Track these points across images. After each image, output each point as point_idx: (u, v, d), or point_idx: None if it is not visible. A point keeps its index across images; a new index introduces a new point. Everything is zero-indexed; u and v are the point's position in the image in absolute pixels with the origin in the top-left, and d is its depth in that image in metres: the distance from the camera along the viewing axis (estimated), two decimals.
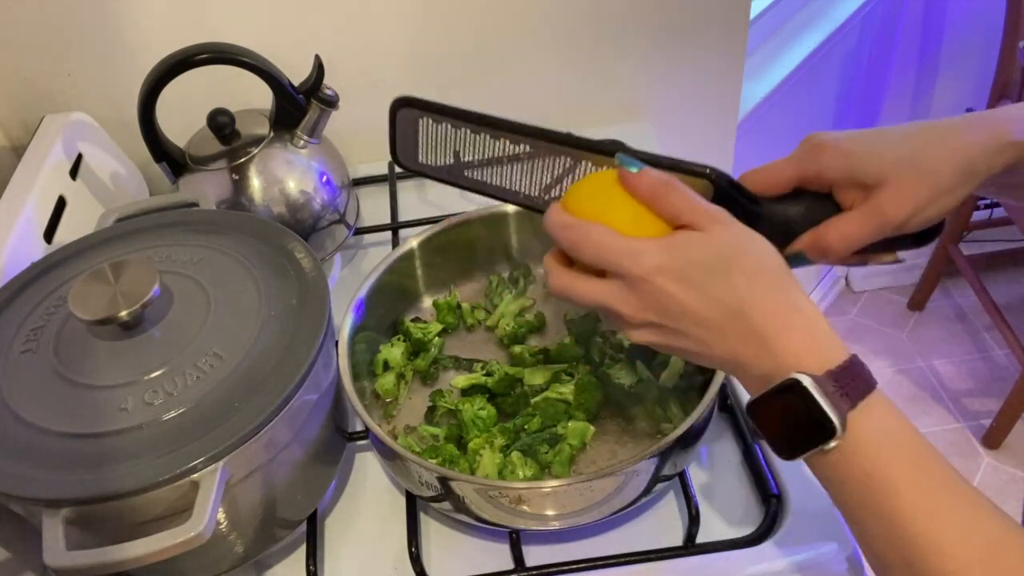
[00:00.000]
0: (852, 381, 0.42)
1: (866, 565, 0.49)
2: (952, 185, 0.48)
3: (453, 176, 0.58)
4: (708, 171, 0.50)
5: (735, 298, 0.44)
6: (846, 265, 0.55)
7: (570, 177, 0.54)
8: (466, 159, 0.56)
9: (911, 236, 0.52)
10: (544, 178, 0.55)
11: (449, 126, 0.55)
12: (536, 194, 0.56)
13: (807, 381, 0.41)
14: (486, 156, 0.55)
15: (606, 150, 0.52)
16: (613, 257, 0.46)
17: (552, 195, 0.56)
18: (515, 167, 0.55)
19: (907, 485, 0.40)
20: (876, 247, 0.51)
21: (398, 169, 0.96)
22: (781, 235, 0.52)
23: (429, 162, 0.58)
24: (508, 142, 0.55)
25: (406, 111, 0.56)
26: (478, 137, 0.55)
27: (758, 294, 0.44)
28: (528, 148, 0.54)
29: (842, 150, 0.50)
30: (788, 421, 0.43)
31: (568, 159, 0.54)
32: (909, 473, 0.41)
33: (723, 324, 0.44)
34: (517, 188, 0.56)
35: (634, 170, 0.48)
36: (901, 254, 0.54)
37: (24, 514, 0.51)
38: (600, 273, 0.47)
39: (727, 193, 0.51)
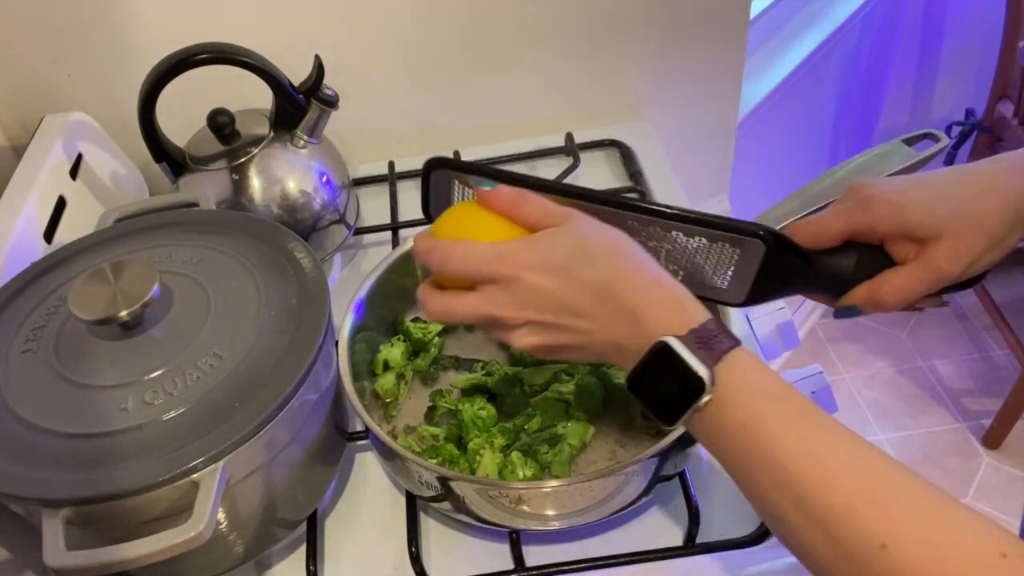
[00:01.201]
0: (714, 337, 0.44)
1: None
2: (1004, 235, 0.50)
3: None
4: (760, 232, 0.51)
5: (600, 278, 0.46)
6: (897, 311, 0.56)
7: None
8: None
9: (960, 281, 0.52)
10: None
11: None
12: None
13: (673, 342, 0.43)
14: None
15: (660, 213, 0.52)
16: (480, 264, 0.48)
17: None
18: None
19: (782, 429, 0.41)
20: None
21: (398, 169, 0.97)
22: (831, 287, 0.53)
23: None
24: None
25: (441, 172, 0.56)
26: None
27: (620, 271, 0.46)
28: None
29: (895, 203, 0.50)
30: (663, 385, 0.44)
31: (632, 223, 0.53)
32: (782, 418, 0.42)
33: (596, 307, 0.46)
34: None
35: (488, 187, 0.50)
36: (946, 297, 0.55)
37: (24, 514, 0.51)
38: (472, 290, 0.49)
39: (778, 249, 0.51)
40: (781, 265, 0.51)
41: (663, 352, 0.44)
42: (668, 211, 0.52)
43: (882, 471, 0.40)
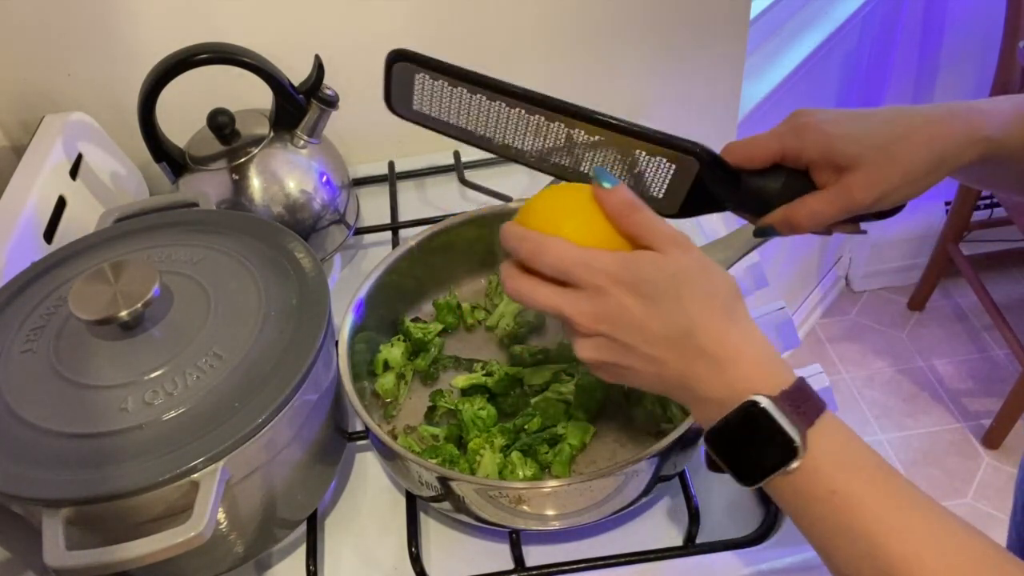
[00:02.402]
0: (806, 401, 0.43)
1: None
2: (921, 174, 0.51)
3: (448, 128, 0.57)
4: (697, 148, 0.53)
5: (687, 319, 0.45)
6: (812, 233, 0.57)
7: (572, 147, 0.55)
8: (464, 119, 0.56)
9: (874, 212, 0.54)
10: (543, 141, 0.55)
11: (446, 84, 0.55)
12: (533, 151, 0.56)
13: (765, 402, 0.42)
14: (482, 117, 0.55)
15: (595, 120, 0.53)
16: (571, 266, 0.46)
17: (557, 160, 0.56)
18: (512, 127, 0.55)
19: (872, 501, 0.41)
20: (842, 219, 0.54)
21: (398, 169, 0.97)
22: (757, 207, 0.55)
23: (423, 112, 0.57)
24: (506, 107, 0.54)
25: (402, 65, 0.55)
26: (475, 98, 0.54)
27: (709, 318, 0.45)
28: (527, 115, 0.54)
29: (824, 132, 0.52)
30: (749, 446, 0.43)
31: (568, 128, 0.54)
32: (873, 488, 0.41)
33: (674, 343, 0.45)
34: (513, 143, 0.56)
35: (607, 185, 0.49)
36: (863, 225, 0.56)
37: (24, 514, 0.51)
38: (558, 284, 0.48)
39: (711, 167, 0.53)
40: (714, 182, 0.53)
41: (752, 412, 0.42)
42: (614, 122, 0.53)
43: (970, 550, 0.39)
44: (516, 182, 0.93)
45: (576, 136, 0.54)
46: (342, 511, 0.66)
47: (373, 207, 0.93)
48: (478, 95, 0.54)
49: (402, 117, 0.58)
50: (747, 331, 0.46)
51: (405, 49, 0.55)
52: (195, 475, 0.49)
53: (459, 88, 0.54)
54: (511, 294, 0.49)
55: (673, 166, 0.54)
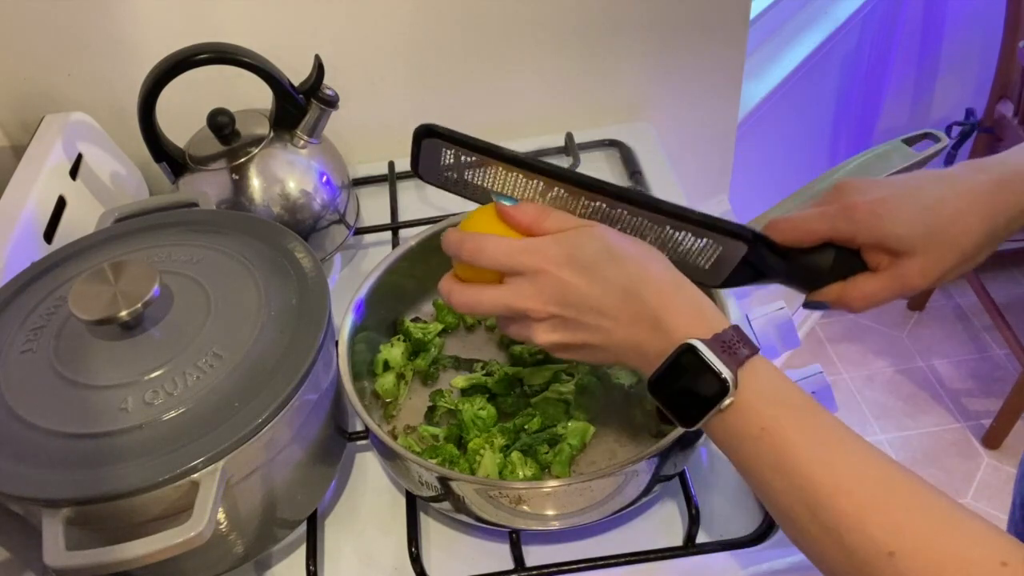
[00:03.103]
0: (737, 343, 0.45)
1: None
2: (976, 252, 0.51)
3: (478, 197, 0.58)
4: (745, 232, 0.52)
5: (626, 279, 0.47)
6: None
7: (611, 223, 0.54)
8: (488, 191, 0.56)
9: None
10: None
11: (473, 158, 0.55)
12: None
13: (698, 344, 0.45)
14: (509, 190, 0.56)
15: (647, 205, 0.53)
16: (512, 256, 0.49)
17: None
18: (556, 204, 0.55)
19: (800, 436, 0.43)
20: None
21: (398, 169, 0.97)
22: (806, 282, 0.55)
23: (451, 180, 0.58)
24: (534, 181, 0.54)
25: (430, 142, 0.56)
26: (500, 171, 0.55)
27: (645, 274, 0.48)
28: (556, 189, 0.54)
29: (876, 215, 0.51)
30: (685, 387, 0.46)
31: (595, 204, 0.53)
32: (800, 425, 0.43)
33: (619, 307, 0.47)
34: None
35: (507, 203, 0.52)
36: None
37: (24, 514, 0.51)
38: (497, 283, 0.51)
39: (759, 250, 0.53)
40: (760, 261, 0.53)
41: (687, 354, 0.45)
42: (659, 205, 0.53)
43: (893, 480, 0.41)
44: None
45: (616, 215, 0.53)
46: (342, 511, 0.66)
47: (373, 207, 0.93)
48: (513, 173, 0.55)
49: (431, 184, 0.59)
50: (679, 283, 0.49)
51: (434, 125, 0.56)
52: (195, 475, 0.49)
53: (492, 167, 0.55)
54: (458, 306, 0.52)
55: (720, 248, 0.53)
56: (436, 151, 0.57)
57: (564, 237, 0.50)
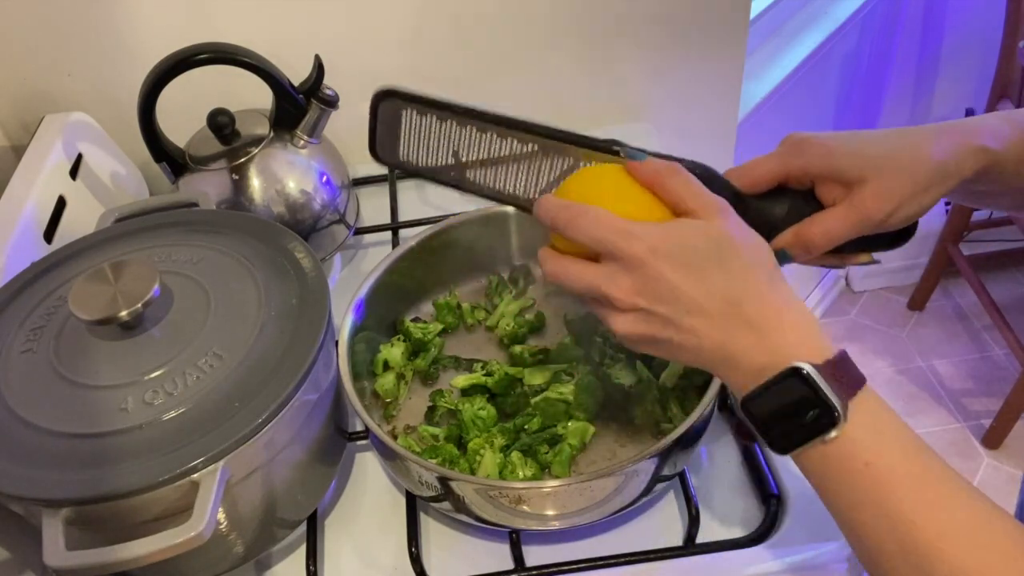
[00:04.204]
0: (848, 372, 0.43)
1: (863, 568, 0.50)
2: (928, 183, 0.50)
3: (436, 173, 0.55)
4: (698, 168, 0.51)
5: (731, 288, 0.44)
6: (824, 266, 0.56)
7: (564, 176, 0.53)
8: (452, 156, 0.54)
9: (886, 238, 0.53)
10: (537, 178, 0.54)
11: (434, 119, 0.53)
12: (529, 195, 0.55)
13: (809, 369, 0.42)
14: (473, 154, 0.53)
15: (605, 148, 0.52)
16: (609, 235, 0.45)
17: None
18: (505, 165, 0.53)
19: (906, 476, 0.41)
20: (853, 247, 0.53)
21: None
22: (764, 231, 0.53)
23: (410, 159, 0.55)
24: (497, 138, 0.52)
25: (388, 102, 0.54)
26: (464, 131, 0.52)
27: (753, 286, 0.45)
28: (520, 146, 0.52)
29: (825, 147, 0.51)
30: (787, 412, 0.43)
31: (567, 158, 0.53)
32: (907, 464, 0.41)
33: (717, 313, 0.44)
34: (506, 187, 0.54)
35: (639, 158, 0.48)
36: (877, 255, 0.55)
37: (24, 514, 0.51)
38: (595, 261, 0.47)
39: (714, 188, 0.51)
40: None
41: (794, 377, 0.42)
42: (610, 145, 0.51)
43: (992, 524, 0.40)
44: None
45: (578, 165, 0.52)
46: (342, 511, 0.66)
47: (373, 207, 0.93)
48: (468, 127, 0.52)
49: (387, 164, 0.56)
50: (789, 299, 0.45)
51: (390, 86, 0.53)
52: (195, 475, 0.49)
53: (447, 123, 0.52)
54: (549, 276, 0.49)
55: None
56: (395, 118, 0.53)
57: (673, 228, 0.46)
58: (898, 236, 0.54)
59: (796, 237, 0.52)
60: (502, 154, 0.52)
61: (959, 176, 0.51)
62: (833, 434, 0.41)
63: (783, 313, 0.44)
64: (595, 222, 0.46)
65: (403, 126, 0.54)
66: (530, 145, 0.52)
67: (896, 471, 0.41)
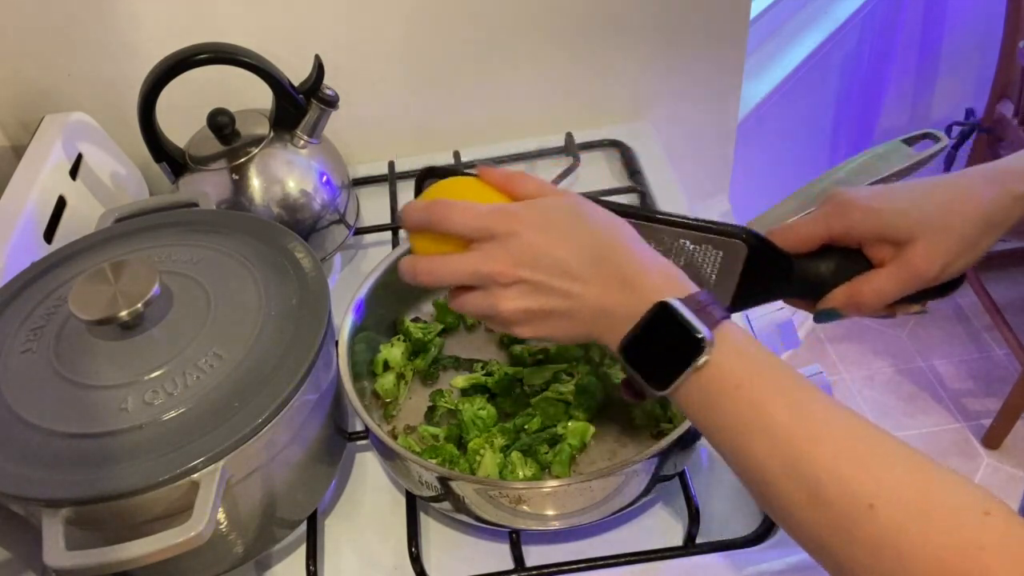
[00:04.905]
0: (710, 305, 0.45)
1: None
2: (976, 239, 0.51)
3: None
4: (743, 233, 0.52)
5: (598, 244, 0.47)
6: (875, 317, 0.57)
7: None
8: None
9: (936, 289, 0.54)
10: None
11: None
12: None
13: (674, 302, 0.44)
14: None
15: (652, 218, 0.53)
16: (484, 218, 0.49)
17: None
18: None
19: (775, 391, 0.42)
20: (905, 299, 0.53)
21: (398, 169, 0.97)
22: (812, 291, 0.54)
23: None
24: None
25: (432, 180, 0.56)
26: None
27: (617, 240, 0.48)
28: None
29: (871, 208, 0.52)
30: (659, 347, 0.45)
31: None
32: (776, 381, 0.43)
33: (590, 270, 0.47)
34: None
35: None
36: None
37: (24, 514, 0.51)
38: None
39: (760, 251, 0.53)
40: (763, 268, 0.53)
41: (662, 314, 0.44)
42: (653, 215, 0.53)
43: (869, 433, 0.40)
44: None
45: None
46: (342, 511, 0.66)
47: (373, 207, 0.93)
48: None
49: None
50: (652, 254, 0.48)
51: (435, 165, 0.56)
52: (195, 475, 0.49)
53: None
54: (423, 276, 0.51)
55: (720, 252, 0.53)
56: None
57: (536, 201, 0.50)
58: (948, 286, 0.54)
59: (848, 297, 0.53)
60: None
61: (1006, 225, 0.51)
62: (703, 359, 0.43)
63: (645, 261, 0.47)
64: (466, 210, 0.49)
65: None
66: None
67: (766, 389, 0.42)
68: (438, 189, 0.53)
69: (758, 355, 0.44)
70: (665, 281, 0.46)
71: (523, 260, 0.48)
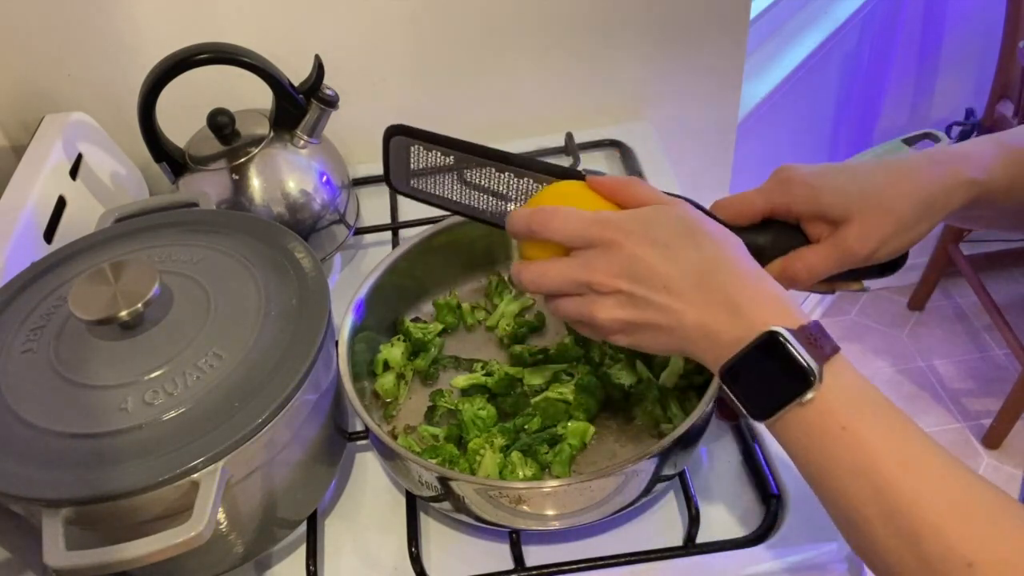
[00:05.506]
0: (822, 338, 0.43)
1: (865, 566, 0.50)
2: (913, 221, 0.51)
3: (443, 201, 0.60)
4: (584, 176, 0.54)
5: (704, 260, 0.46)
6: (814, 292, 0.57)
7: None
8: (456, 187, 0.58)
9: (876, 268, 0.54)
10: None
11: (439, 154, 0.58)
12: None
13: (785, 333, 0.43)
14: (475, 183, 0.58)
15: (577, 175, 0.55)
16: (583, 226, 0.48)
17: None
18: (504, 195, 0.58)
19: (882, 437, 0.41)
20: (844, 276, 0.54)
21: None
22: None
23: (420, 187, 0.60)
24: (495, 171, 0.57)
25: (399, 139, 0.58)
26: (466, 165, 0.57)
27: (724, 259, 0.46)
28: (516, 179, 0.57)
29: (810, 185, 0.52)
30: (764, 377, 0.43)
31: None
32: (883, 426, 0.42)
33: (693, 289, 0.46)
34: (504, 212, 0.58)
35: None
36: (867, 283, 0.56)
37: (24, 514, 0.51)
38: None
39: None
40: None
41: (770, 343, 0.43)
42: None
43: (976, 490, 0.40)
44: None
45: None
46: (342, 511, 0.66)
47: (373, 207, 0.93)
48: (469, 162, 0.57)
49: (401, 193, 0.61)
50: (761, 274, 0.47)
51: (400, 124, 0.58)
52: (195, 475, 0.49)
53: (450, 157, 0.57)
54: (526, 283, 0.50)
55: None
56: (405, 152, 0.58)
57: (642, 212, 0.48)
58: (887, 266, 0.54)
59: (781, 270, 0.54)
60: (500, 187, 0.57)
61: (947, 210, 0.51)
62: (809, 395, 0.42)
63: (757, 286, 0.46)
64: (568, 218, 0.49)
65: (412, 159, 0.58)
66: (526, 179, 0.56)
67: (872, 433, 0.41)
68: (545, 195, 0.54)
69: (866, 395, 0.43)
70: (775, 308, 0.45)
71: (624, 271, 0.47)
